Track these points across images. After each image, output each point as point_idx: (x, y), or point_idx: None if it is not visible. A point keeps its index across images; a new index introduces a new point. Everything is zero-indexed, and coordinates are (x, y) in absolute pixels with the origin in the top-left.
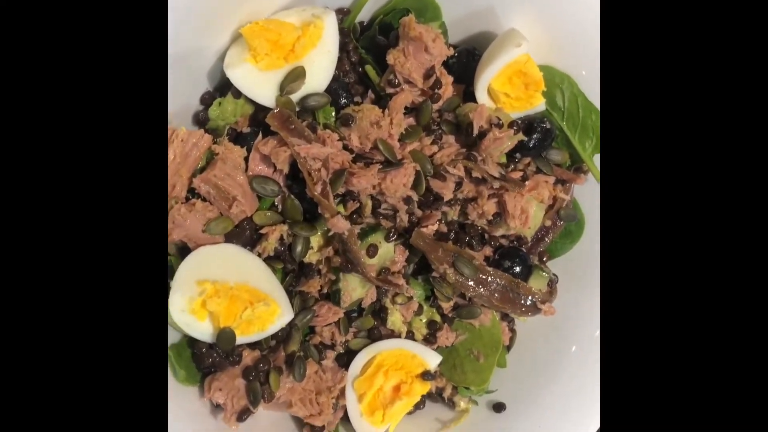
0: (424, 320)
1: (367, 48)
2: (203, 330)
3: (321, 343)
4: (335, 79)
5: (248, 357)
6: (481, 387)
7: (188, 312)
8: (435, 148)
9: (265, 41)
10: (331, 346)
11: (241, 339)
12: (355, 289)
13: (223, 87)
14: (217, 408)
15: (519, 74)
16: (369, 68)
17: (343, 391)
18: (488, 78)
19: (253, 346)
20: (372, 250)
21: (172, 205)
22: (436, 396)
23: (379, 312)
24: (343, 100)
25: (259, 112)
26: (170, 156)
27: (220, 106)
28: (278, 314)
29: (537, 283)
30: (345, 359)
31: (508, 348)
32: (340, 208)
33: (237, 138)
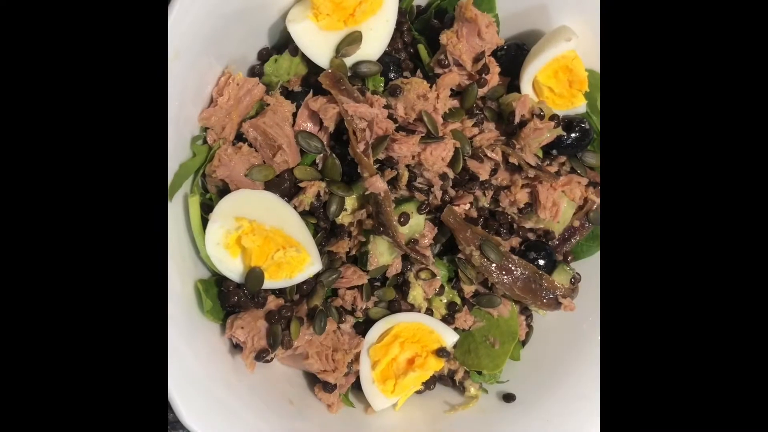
0: (444, 301)
1: (420, 30)
2: (234, 268)
3: (342, 307)
4: (387, 53)
5: (272, 302)
6: (494, 372)
7: (223, 246)
8: (476, 130)
9: (328, 1)
10: (351, 311)
11: (268, 283)
12: (382, 254)
13: (281, 46)
14: (236, 348)
15: (565, 70)
16: (421, 47)
17: (357, 357)
18: (535, 69)
19: (278, 294)
20: (404, 218)
21: (219, 145)
22: (447, 379)
23: (402, 285)
24: (393, 74)
25: (312, 74)
26: (224, 97)
27: (276, 63)
28: (308, 263)
29: (560, 278)
30: (363, 328)
31: (524, 343)
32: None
33: (288, 95)
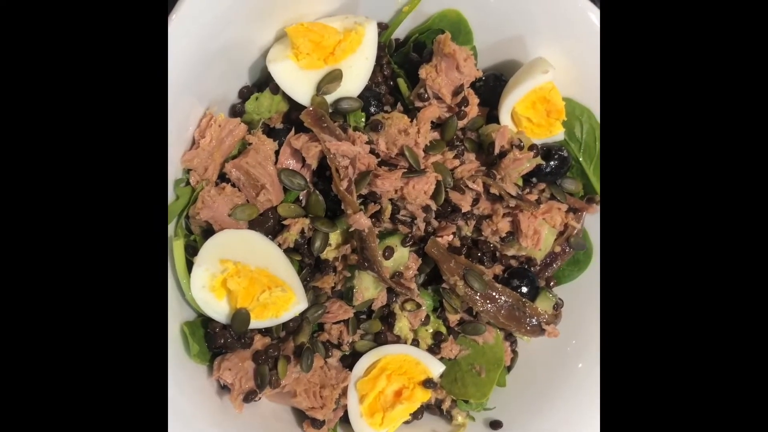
0: (430, 330)
1: (399, 63)
2: (220, 310)
3: (329, 341)
4: (368, 88)
5: (259, 342)
6: (481, 401)
7: (208, 289)
8: (457, 162)
9: (308, 41)
10: (338, 345)
11: (254, 323)
12: (368, 288)
13: (262, 84)
14: (223, 389)
15: (543, 101)
16: (401, 81)
17: (345, 391)
18: (513, 100)
19: (264, 333)
20: (388, 253)
21: (202, 186)
22: (434, 408)
23: (388, 317)
24: (374, 108)
25: (293, 110)
26: (206, 139)
27: (257, 101)
28: (293, 302)
29: (543, 305)
30: (350, 361)
31: (509, 368)
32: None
33: (270, 133)
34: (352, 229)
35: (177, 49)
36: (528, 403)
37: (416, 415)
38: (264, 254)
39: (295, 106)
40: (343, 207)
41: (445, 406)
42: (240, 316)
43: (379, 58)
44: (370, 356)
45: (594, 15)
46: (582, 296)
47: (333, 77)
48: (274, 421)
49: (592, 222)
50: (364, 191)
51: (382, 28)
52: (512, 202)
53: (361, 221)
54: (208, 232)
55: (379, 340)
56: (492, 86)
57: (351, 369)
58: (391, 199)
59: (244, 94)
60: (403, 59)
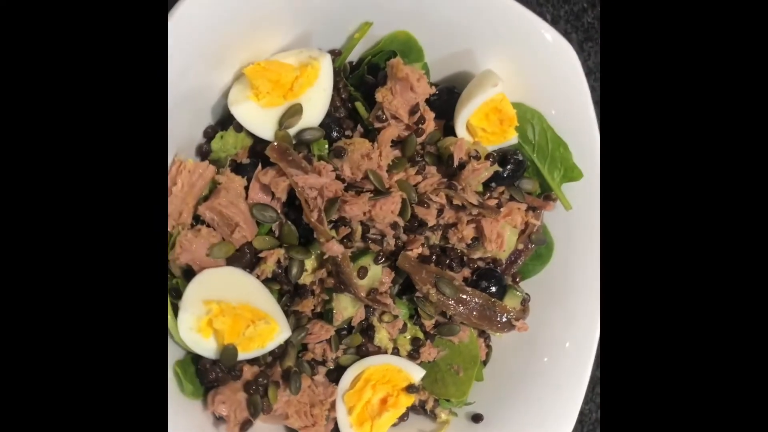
0: (408, 337)
1: (356, 86)
2: (208, 347)
3: (313, 360)
4: (328, 114)
5: (248, 372)
6: (461, 399)
7: (195, 330)
8: (419, 177)
9: (266, 81)
10: (323, 362)
11: (242, 355)
12: (346, 308)
13: (225, 121)
14: (219, 420)
15: (495, 111)
16: (359, 105)
17: (333, 405)
18: (467, 115)
19: (252, 361)
20: (362, 272)
21: (179, 231)
22: (419, 408)
23: (367, 330)
24: (335, 134)
25: (258, 144)
26: (178, 186)
27: (222, 139)
28: (277, 332)
29: (511, 302)
30: (335, 375)
31: (485, 362)
32: (333, 233)
33: (237, 168)
34: (326, 257)
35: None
36: (505, 393)
37: (402, 417)
38: (244, 288)
39: (259, 140)
40: (315, 236)
41: (429, 406)
42: (228, 352)
43: (336, 83)
44: (354, 369)
45: (531, 19)
46: (546, 289)
47: (293, 112)
48: None
49: (550, 217)
50: (334, 217)
51: (336, 54)
52: (475, 211)
53: (334, 248)
54: (188, 272)
55: (361, 352)
56: (446, 99)
57: (337, 382)
58: (360, 221)
59: (209, 133)
60: (359, 81)
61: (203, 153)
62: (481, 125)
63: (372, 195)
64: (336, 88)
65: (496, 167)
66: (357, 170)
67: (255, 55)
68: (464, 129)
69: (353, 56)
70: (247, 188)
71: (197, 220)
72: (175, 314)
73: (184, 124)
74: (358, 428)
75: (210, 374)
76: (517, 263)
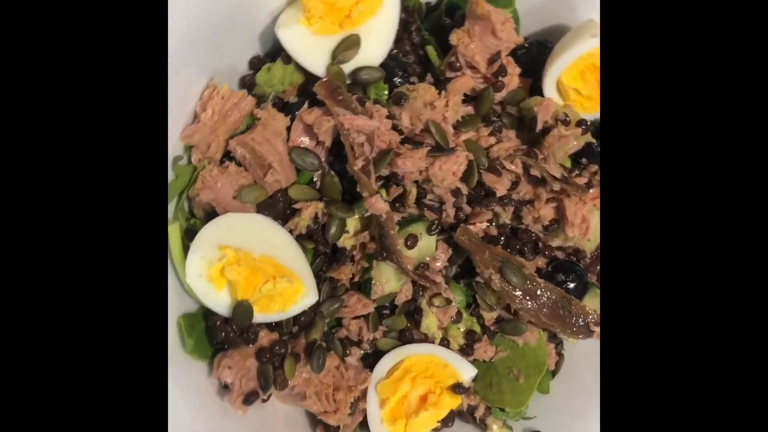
0: (462, 329)
1: (430, 30)
2: (220, 301)
3: (347, 338)
4: (393, 57)
5: (265, 338)
6: (518, 410)
7: (206, 278)
8: (492, 140)
9: (320, 3)
10: (358, 342)
11: (259, 317)
12: (388, 280)
13: (274, 53)
14: (224, 390)
15: (593, 69)
16: (430, 49)
17: (364, 393)
18: (559, 69)
19: (272, 328)
20: (411, 241)
21: (204, 165)
22: (466, 415)
23: (414, 313)
24: (398, 80)
25: (309, 83)
26: (208, 113)
27: (269, 72)
28: (302, 294)
29: (592, 303)
30: (371, 360)
31: (553, 373)
32: (382, 193)
33: (282, 107)
34: (368, 214)
35: (177, 14)
36: (574, 412)
37: (446, 422)
38: (271, 241)
39: (311, 78)
40: (359, 189)
41: (479, 413)
42: (242, 309)
43: (407, 24)
44: (393, 356)
45: None
46: None
47: (350, 44)
48: (283, 426)
49: None
50: (385, 172)
51: None
52: (557, 186)
53: (378, 205)
54: (212, 215)
55: (404, 338)
56: (536, 54)
57: (372, 369)
58: (416, 182)
59: (255, 64)
60: (435, 25)
61: (247, 86)
62: (574, 85)
63: (432, 150)
64: (407, 30)
65: (589, 138)
66: (417, 120)
67: None
68: (554, 88)
69: None
70: (289, 129)
71: (228, 158)
72: None
73: (225, 49)
74: (390, 425)
75: (220, 333)
76: None
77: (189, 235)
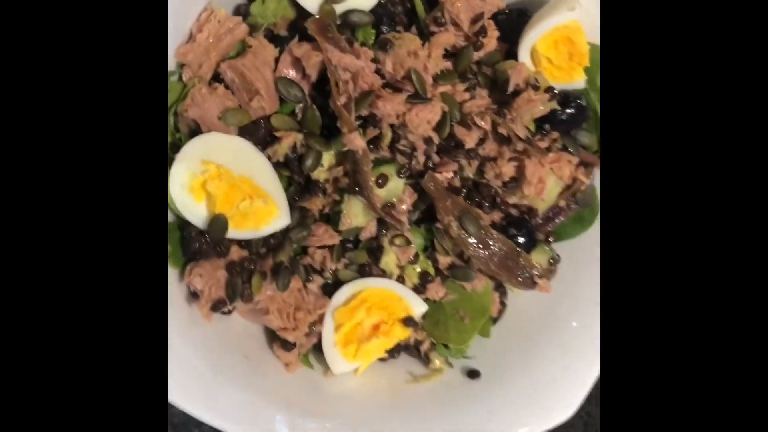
0: (417, 269)
1: None
2: (198, 213)
3: (310, 266)
4: (382, 5)
5: (235, 253)
6: (460, 348)
7: (187, 189)
8: (467, 96)
9: None
10: (320, 271)
11: (232, 233)
12: (356, 215)
13: None
14: (193, 297)
15: (566, 41)
16: (418, 2)
17: (321, 318)
18: (535, 37)
19: (243, 245)
20: (382, 180)
21: (194, 83)
22: (412, 349)
23: (375, 250)
24: (385, 27)
25: (300, 19)
26: (203, 34)
27: (263, 4)
28: (275, 216)
29: (539, 258)
30: (330, 290)
31: (495, 320)
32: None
33: (273, 40)
34: (345, 149)
35: None
36: (511, 357)
37: (393, 353)
38: (250, 163)
39: (302, 14)
40: (338, 125)
41: (424, 348)
42: (218, 222)
43: None
44: (352, 286)
45: None
46: (581, 255)
47: None
48: (244, 338)
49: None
50: (364, 112)
51: None
52: (520, 146)
53: (356, 141)
54: (195, 132)
55: (364, 272)
56: (515, 21)
57: (330, 298)
58: (392, 126)
59: None
60: None
61: (241, 14)
62: (547, 54)
63: (410, 97)
64: None
65: (555, 105)
66: (400, 67)
67: None
68: (528, 55)
69: None
70: (277, 61)
71: (217, 80)
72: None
73: None
74: (342, 348)
75: (194, 243)
76: (554, 221)
77: (173, 148)
